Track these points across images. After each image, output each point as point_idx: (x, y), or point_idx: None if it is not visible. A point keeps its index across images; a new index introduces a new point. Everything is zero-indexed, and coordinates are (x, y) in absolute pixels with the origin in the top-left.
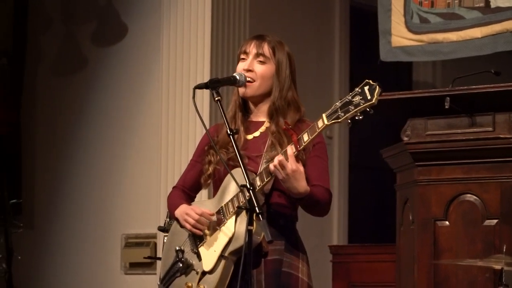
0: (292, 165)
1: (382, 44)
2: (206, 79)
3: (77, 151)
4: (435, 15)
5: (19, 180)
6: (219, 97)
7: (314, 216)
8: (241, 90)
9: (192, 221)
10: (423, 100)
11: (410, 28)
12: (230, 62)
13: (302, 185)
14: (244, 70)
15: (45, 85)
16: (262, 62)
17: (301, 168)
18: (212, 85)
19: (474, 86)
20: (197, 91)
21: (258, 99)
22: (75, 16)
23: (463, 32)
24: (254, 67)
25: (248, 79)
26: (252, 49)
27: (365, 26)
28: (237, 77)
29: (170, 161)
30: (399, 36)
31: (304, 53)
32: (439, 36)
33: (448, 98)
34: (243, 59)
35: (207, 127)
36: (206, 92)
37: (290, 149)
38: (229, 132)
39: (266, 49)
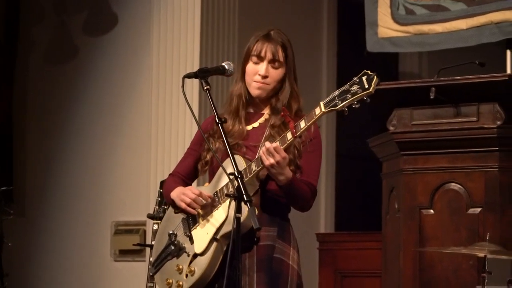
0: (279, 155)
1: (369, 35)
2: (195, 68)
3: (68, 140)
4: (421, 6)
5: (10, 168)
6: (208, 86)
7: (296, 209)
8: (254, 92)
9: (188, 200)
10: (409, 90)
11: (397, 19)
12: (219, 52)
13: (284, 172)
14: (260, 76)
15: (36, 74)
16: (276, 68)
17: (286, 156)
18: (201, 74)
19: (459, 77)
20: (187, 80)
21: (267, 96)
22: (66, 6)
23: (449, 24)
24: (270, 72)
25: (259, 84)
26: (267, 54)
27: (352, 17)
28: (226, 67)
29: (160, 149)
30: (386, 27)
31: (293, 44)
32: (425, 28)
33: (433, 88)
34: (256, 62)
35: (196, 116)
36: (196, 81)
37: (269, 144)
38: (217, 121)
39: (280, 54)
